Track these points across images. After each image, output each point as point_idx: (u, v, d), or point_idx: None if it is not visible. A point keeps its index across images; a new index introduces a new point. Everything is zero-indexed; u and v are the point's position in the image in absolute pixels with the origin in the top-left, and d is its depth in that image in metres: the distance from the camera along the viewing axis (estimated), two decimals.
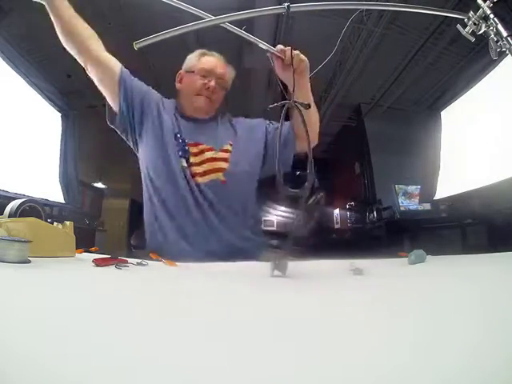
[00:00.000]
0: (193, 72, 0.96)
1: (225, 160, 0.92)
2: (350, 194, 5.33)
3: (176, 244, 0.83)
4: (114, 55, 0.91)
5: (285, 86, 0.77)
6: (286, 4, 0.89)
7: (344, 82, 4.44)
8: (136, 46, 1.03)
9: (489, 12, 0.78)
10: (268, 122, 1.04)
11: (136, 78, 0.94)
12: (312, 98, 0.92)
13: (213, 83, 0.94)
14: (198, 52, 1.01)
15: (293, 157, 0.97)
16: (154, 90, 0.99)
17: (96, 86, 0.91)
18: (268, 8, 0.98)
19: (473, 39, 0.86)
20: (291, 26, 3.45)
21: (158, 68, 4.18)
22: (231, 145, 0.95)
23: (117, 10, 3.20)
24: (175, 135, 0.91)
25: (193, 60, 1.00)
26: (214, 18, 1.01)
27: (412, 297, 0.35)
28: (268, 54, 0.81)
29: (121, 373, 0.15)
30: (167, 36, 1.00)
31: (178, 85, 1.01)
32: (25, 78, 2.56)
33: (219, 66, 0.98)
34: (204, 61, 0.98)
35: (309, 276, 0.56)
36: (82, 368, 0.15)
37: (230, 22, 0.88)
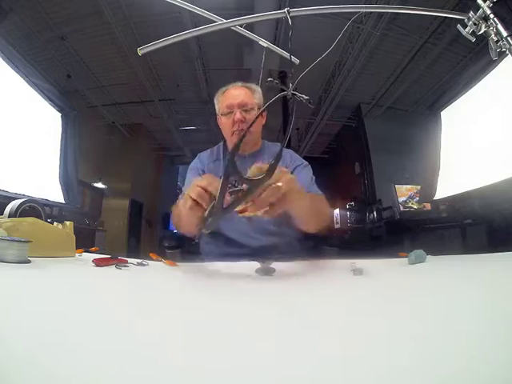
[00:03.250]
0: (221, 115, 0.97)
1: None
2: (350, 193, 5.34)
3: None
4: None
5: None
6: (286, 9, 0.90)
7: (344, 82, 4.45)
8: (140, 51, 1.03)
9: (489, 12, 0.79)
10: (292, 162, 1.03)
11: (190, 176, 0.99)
12: (321, 193, 0.89)
13: (238, 115, 0.91)
14: (218, 93, 1.01)
15: None
16: (194, 168, 1.02)
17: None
18: (268, 13, 0.98)
19: (473, 39, 0.86)
20: (291, 27, 3.45)
21: (158, 69, 4.19)
22: None
23: (117, 9, 3.20)
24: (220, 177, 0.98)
25: (217, 103, 1.00)
26: (215, 23, 1.01)
27: (412, 297, 0.35)
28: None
29: (121, 372, 0.15)
30: (170, 42, 1.00)
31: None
32: (25, 78, 2.55)
33: (238, 94, 0.95)
34: (224, 99, 0.97)
35: (309, 276, 0.56)
36: (81, 367, 0.15)
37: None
